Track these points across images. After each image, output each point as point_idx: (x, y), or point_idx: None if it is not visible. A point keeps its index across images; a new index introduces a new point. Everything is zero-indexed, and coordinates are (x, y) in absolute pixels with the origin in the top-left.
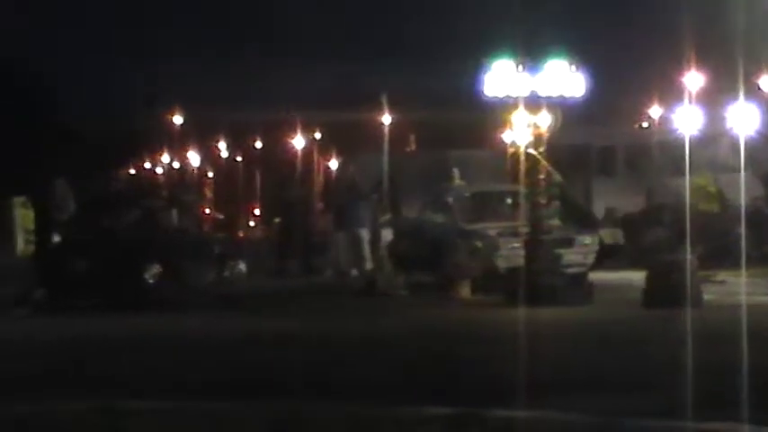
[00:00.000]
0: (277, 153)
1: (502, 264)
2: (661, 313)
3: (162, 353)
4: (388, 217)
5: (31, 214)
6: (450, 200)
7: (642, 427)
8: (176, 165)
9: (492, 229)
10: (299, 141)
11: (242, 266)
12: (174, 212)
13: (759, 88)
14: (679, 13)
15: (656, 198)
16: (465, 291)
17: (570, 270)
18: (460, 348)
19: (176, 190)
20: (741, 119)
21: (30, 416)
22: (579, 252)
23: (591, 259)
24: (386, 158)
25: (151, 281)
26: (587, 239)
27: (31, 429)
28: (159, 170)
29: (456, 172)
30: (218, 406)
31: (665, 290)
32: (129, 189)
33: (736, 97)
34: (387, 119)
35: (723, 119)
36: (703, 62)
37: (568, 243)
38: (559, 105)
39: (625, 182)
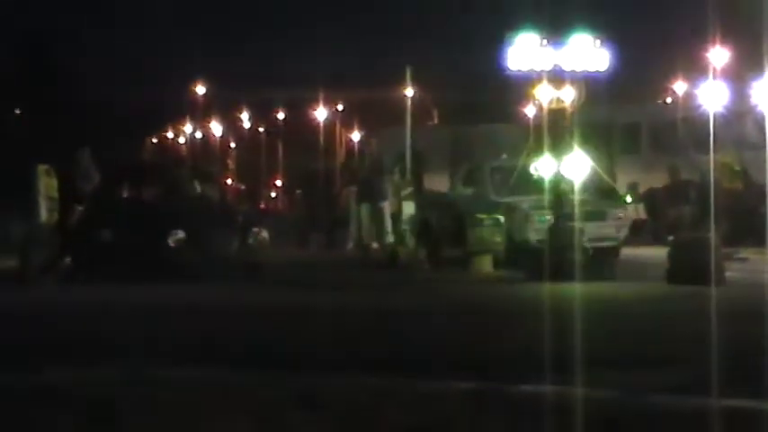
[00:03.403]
0: (300, 125)
1: (532, 237)
2: (684, 290)
3: (189, 320)
4: (410, 190)
5: (54, 183)
6: (482, 172)
7: (668, 403)
8: (198, 135)
9: (524, 202)
10: (321, 114)
11: (265, 235)
12: (197, 182)
13: None
14: None
15: (679, 175)
16: (487, 265)
17: (603, 243)
18: (480, 323)
19: (200, 161)
20: (766, 96)
21: (59, 382)
22: (612, 225)
23: (624, 233)
24: (408, 132)
25: (174, 247)
26: (620, 213)
27: (60, 397)
28: (182, 140)
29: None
30: (233, 377)
31: (688, 267)
32: (155, 159)
33: (761, 74)
34: (410, 92)
35: (748, 95)
36: (729, 38)
37: (601, 216)
38: (583, 80)
39: (649, 158)
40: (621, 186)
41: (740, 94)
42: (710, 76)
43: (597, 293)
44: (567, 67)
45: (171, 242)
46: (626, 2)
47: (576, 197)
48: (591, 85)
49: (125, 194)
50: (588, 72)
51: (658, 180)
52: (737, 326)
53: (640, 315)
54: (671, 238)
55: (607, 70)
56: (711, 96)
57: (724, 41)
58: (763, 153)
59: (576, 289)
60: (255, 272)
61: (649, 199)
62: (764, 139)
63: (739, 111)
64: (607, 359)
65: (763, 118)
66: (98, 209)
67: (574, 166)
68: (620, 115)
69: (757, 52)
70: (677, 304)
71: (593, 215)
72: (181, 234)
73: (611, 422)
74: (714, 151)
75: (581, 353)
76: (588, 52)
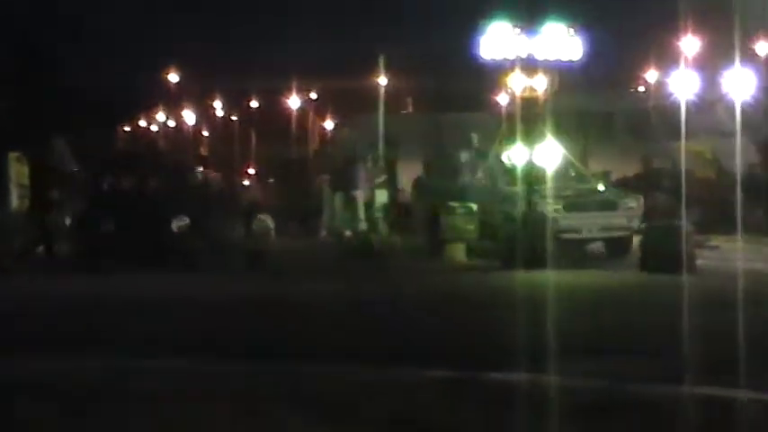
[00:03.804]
0: (273, 114)
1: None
2: (656, 278)
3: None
4: (383, 179)
5: (25, 170)
6: (458, 162)
7: (640, 392)
8: (171, 123)
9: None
10: (294, 102)
11: (270, 223)
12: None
13: (755, 53)
14: None
15: (652, 163)
16: (460, 254)
17: (614, 234)
18: (455, 312)
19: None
20: (737, 84)
21: (42, 374)
22: (623, 215)
23: (636, 223)
24: (382, 120)
25: (178, 233)
26: (632, 203)
27: (45, 387)
28: (154, 128)
29: (475, 137)
30: (214, 368)
31: (661, 255)
32: (156, 146)
33: (732, 62)
34: (383, 81)
35: (719, 84)
36: (700, 27)
37: (612, 206)
38: (556, 69)
39: (622, 147)
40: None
41: (711, 82)
42: (682, 64)
43: (569, 282)
44: (540, 56)
45: (175, 228)
46: None
47: (586, 187)
48: (564, 74)
49: (127, 182)
50: (561, 61)
51: (631, 168)
52: (707, 314)
53: (612, 304)
54: (644, 226)
55: (580, 59)
56: (683, 85)
57: (695, 31)
58: (734, 141)
59: (549, 277)
60: (259, 260)
61: (622, 187)
62: (735, 128)
63: (710, 99)
64: (580, 347)
65: (733, 106)
66: (100, 197)
67: (546, 155)
68: (593, 104)
69: (728, 41)
70: (649, 293)
71: (603, 205)
72: (185, 220)
73: (585, 409)
74: (687, 139)
75: (554, 341)
76: (561, 41)
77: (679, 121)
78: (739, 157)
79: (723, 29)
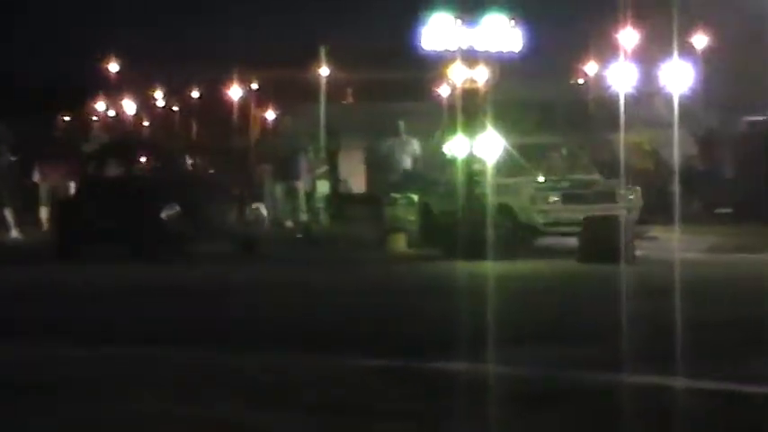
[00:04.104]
0: (214, 103)
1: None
2: (595, 268)
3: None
4: (324, 169)
5: None
6: (394, 151)
7: (578, 380)
8: (111, 113)
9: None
10: (236, 92)
11: (264, 211)
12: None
13: (692, 46)
14: None
15: (591, 154)
16: (401, 244)
17: None
18: (396, 301)
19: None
20: (675, 77)
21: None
22: (622, 207)
23: (635, 216)
24: (323, 111)
25: (168, 221)
26: (631, 194)
27: (28, 373)
28: (94, 118)
29: (401, 125)
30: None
31: (600, 246)
32: (143, 134)
33: (670, 55)
34: (325, 71)
35: (657, 77)
36: (639, 20)
37: (611, 198)
38: (497, 60)
39: (563, 138)
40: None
41: (650, 75)
42: (621, 57)
43: (508, 272)
44: (480, 47)
45: (164, 216)
46: None
47: (582, 178)
48: (504, 65)
49: (115, 169)
50: (502, 52)
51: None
52: (645, 304)
53: (550, 293)
54: (583, 217)
55: (521, 51)
56: (621, 77)
57: (634, 23)
58: (672, 133)
59: (488, 268)
60: (252, 249)
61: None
62: (673, 120)
63: (649, 91)
64: (512, 337)
65: (671, 98)
66: (87, 185)
67: (487, 146)
68: (533, 95)
69: (666, 34)
70: (587, 282)
71: (602, 197)
72: (175, 208)
73: (524, 397)
74: (625, 131)
75: (493, 330)
76: (502, 32)
77: (618, 112)
78: (677, 148)
79: (661, 22)
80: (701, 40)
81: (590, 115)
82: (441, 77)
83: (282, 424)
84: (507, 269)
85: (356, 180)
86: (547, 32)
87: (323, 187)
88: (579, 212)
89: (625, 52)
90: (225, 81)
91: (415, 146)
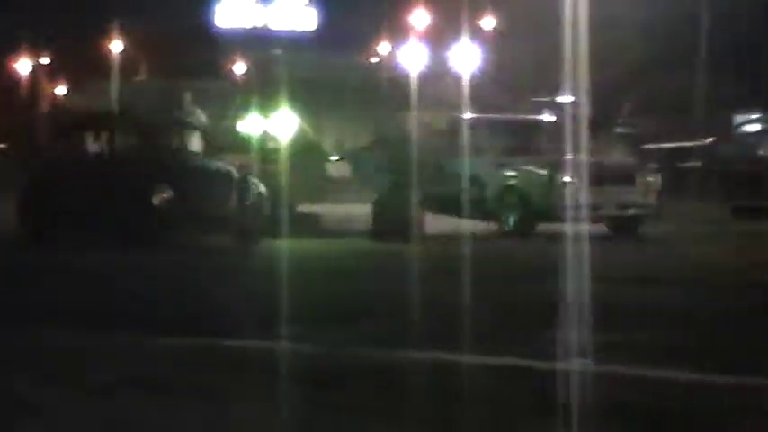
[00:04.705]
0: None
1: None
2: (385, 246)
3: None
4: None
5: None
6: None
7: (357, 355)
8: None
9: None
10: (24, 66)
11: (263, 191)
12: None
13: (481, 28)
14: None
15: (382, 133)
16: None
17: (628, 212)
18: (178, 282)
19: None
20: (464, 57)
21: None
22: (640, 191)
23: (651, 199)
24: (116, 87)
25: (159, 205)
26: (650, 177)
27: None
28: None
29: (187, 96)
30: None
31: (391, 223)
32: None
33: (459, 37)
34: (117, 47)
35: (447, 57)
36: (430, 1)
37: (629, 180)
38: (292, 39)
39: (354, 117)
40: (328, 144)
41: (439, 55)
42: (412, 38)
43: (299, 250)
44: (275, 26)
45: (155, 201)
46: None
47: (591, 158)
48: (298, 44)
49: (92, 147)
50: (296, 31)
51: (363, 138)
52: (432, 281)
53: (340, 270)
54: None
55: (315, 30)
56: (412, 57)
57: (426, 5)
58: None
59: (281, 246)
60: (251, 236)
61: (354, 157)
62: (462, 100)
63: (439, 72)
64: (304, 315)
65: (461, 78)
66: (59, 164)
67: (281, 124)
68: (327, 74)
69: (456, 16)
70: (377, 260)
71: (618, 179)
72: (166, 190)
73: (313, 375)
74: (416, 111)
75: (279, 309)
76: (296, 11)
77: (409, 92)
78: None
79: (452, 4)
80: (488, 22)
81: (382, 94)
82: (235, 55)
83: (66, 402)
84: (297, 247)
85: None
86: (342, 12)
87: None
88: (600, 195)
89: (416, 33)
90: (12, 54)
91: (202, 117)
